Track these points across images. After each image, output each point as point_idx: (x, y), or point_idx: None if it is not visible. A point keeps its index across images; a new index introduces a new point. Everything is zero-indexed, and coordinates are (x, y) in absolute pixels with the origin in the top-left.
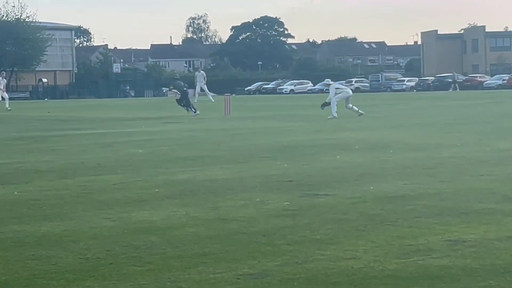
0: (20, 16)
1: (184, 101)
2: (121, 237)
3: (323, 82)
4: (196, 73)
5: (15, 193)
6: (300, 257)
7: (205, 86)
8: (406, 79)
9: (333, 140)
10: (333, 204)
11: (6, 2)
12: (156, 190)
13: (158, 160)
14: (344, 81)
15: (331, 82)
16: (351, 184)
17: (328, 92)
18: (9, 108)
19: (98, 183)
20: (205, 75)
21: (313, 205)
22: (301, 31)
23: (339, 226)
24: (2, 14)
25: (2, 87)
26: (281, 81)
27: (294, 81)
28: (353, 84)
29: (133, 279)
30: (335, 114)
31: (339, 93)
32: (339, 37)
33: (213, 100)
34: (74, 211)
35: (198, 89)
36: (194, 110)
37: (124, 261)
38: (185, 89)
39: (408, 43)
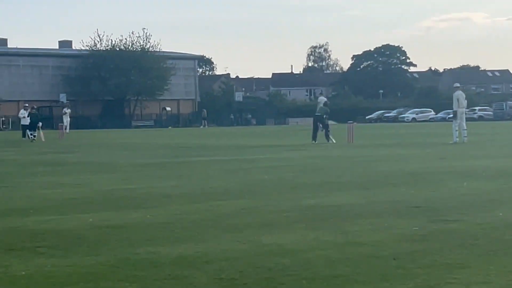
0: (145, 46)
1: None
2: (253, 259)
3: (454, 88)
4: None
5: (148, 216)
6: (432, 280)
7: None
8: None
9: (458, 167)
10: (463, 229)
11: (132, 33)
12: (285, 214)
13: (284, 186)
14: (468, 109)
15: (458, 85)
16: (480, 210)
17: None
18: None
19: (227, 207)
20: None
21: (442, 231)
22: (422, 60)
23: (469, 251)
24: (128, 44)
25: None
26: (402, 109)
27: (416, 109)
28: (476, 113)
29: None
30: (456, 140)
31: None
32: (461, 65)
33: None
34: (205, 234)
35: None
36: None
37: (258, 282)
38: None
39: None
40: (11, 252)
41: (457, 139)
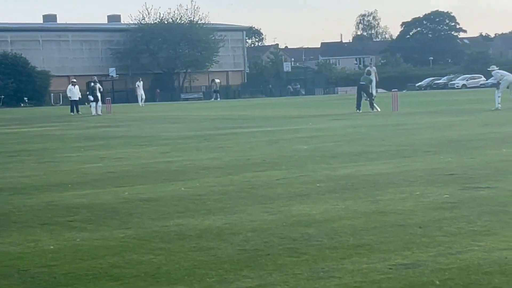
0: (193, 18)
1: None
2: (279, 230)
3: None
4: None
5: (182, 189)
6: (455, 248)
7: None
8: None
9: (500, 133)
10: (493, 196)
11: (180, 5)
12: (318, 185)
13: (322, 156)
14: None
15: (495, 68)
16: None
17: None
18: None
19: (262, 178)
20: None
21: (473, 198)
22: (473, 25)
23: (497, 218)
24: (176, 17)
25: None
26: (452, 76)
27: (466, 75)
28: None
29: (288, 269)
30: (498, 106)
31: (502, 80)
32: None
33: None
34: (237, 205)
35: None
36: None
37: (281, 252)
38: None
39: None
40: (44, 226)
41: (499, 105)
